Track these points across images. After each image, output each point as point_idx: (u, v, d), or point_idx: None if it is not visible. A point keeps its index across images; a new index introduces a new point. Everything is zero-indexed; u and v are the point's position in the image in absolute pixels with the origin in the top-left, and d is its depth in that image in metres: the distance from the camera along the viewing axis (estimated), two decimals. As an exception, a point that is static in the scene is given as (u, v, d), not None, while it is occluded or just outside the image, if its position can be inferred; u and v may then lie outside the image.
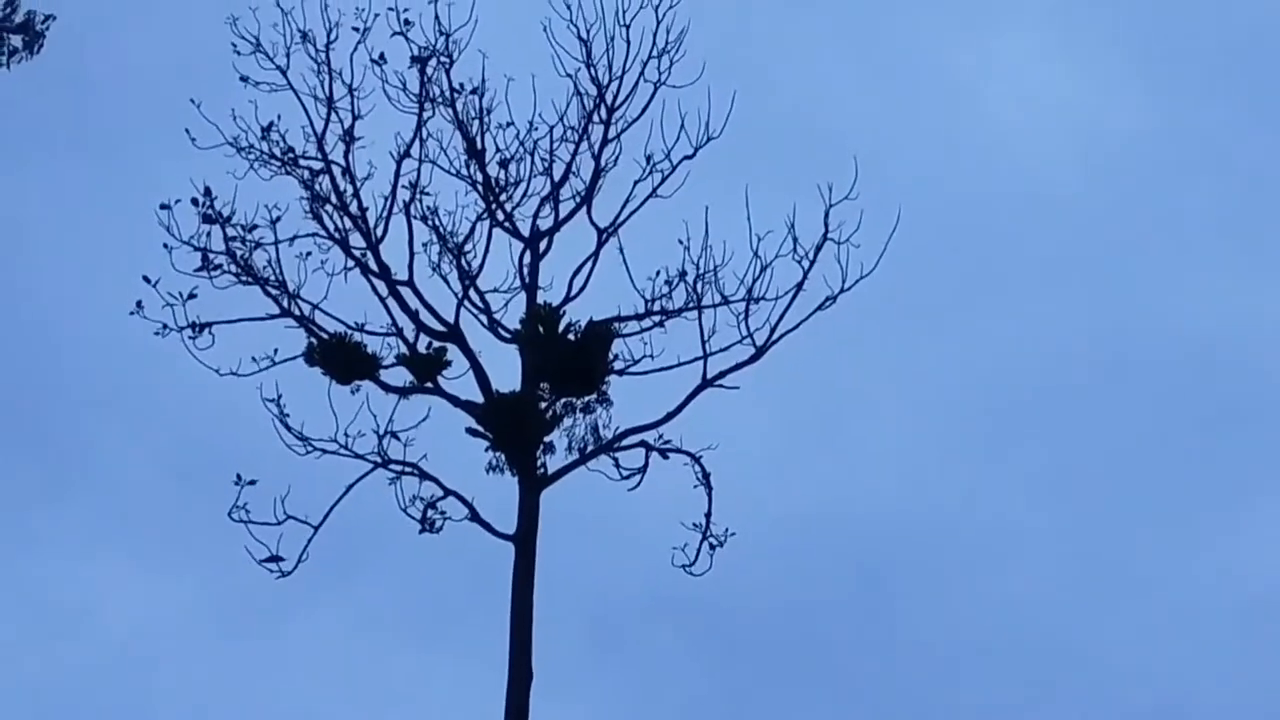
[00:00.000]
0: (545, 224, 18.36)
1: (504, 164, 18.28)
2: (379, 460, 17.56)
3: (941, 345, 28.17)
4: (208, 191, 17.94)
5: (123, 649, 26.76)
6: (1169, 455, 28.63)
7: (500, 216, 18.31)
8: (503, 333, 18.10)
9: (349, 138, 18.21)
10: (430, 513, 17.55)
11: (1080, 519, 28.15)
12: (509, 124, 18.22)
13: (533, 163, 18.26)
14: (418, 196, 18.18)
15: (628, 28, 18.15)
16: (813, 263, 17.87)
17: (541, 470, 17.72)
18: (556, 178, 18.30)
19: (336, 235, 18.08)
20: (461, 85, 18.24)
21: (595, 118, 18.28)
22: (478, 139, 18.26)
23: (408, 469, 17.57)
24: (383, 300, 18.07)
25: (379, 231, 18.12)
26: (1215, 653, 26.55)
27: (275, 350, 17.78)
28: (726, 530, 17.82)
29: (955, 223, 27.49)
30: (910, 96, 28.67)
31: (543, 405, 17.87)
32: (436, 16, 18.08)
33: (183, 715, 26.07)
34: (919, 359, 27.82)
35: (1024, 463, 28.42)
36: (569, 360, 17.85)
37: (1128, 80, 30.45)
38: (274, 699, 25.71)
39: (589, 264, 18.19)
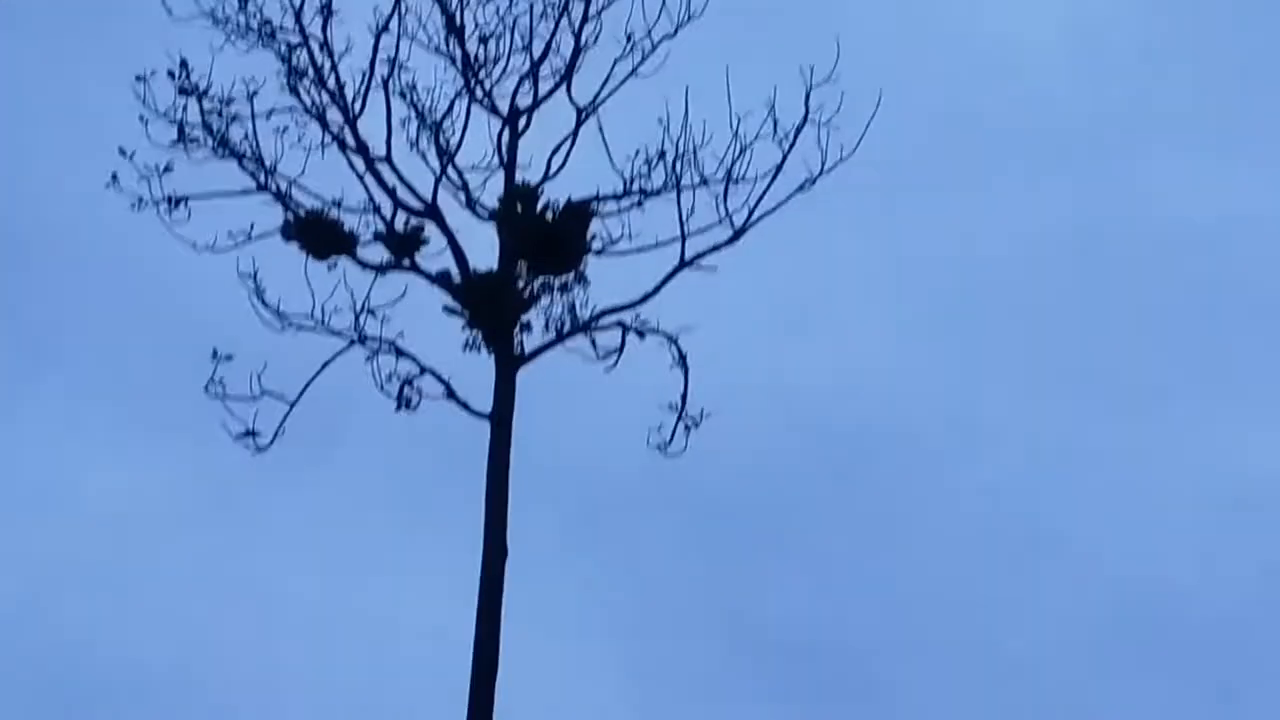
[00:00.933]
0: (524, 102, 18.30)
1: (483, 40, 18.18)
2: (355, 337, 17.59)
3: (920, 231, 28.08)
4: (184, 64, 17.84)
5: (101, 524, 26.79)
6: (1146, 343, 28.69)
7: (479, 94, 18.22)
8: (481, 211, 18.07)
9: (327, 11, 18.09)
10: (406, 390, 17.61)
11: (1056, 405, 28.25)
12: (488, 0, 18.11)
13: (512, 39, 18.20)
14: (396, 72, 18.10)
15: (611, -98, 18.01)
16: (792, 145, 17.86)
17: (519, 349, 17.76)
18: (536, 55, 18.22)
19: (314, 110, 17.99)
20: (441, -40, 18.10)
21: (576, -7, 18.14)
22: (457, 14, 18.16)
23: (384, 346, 17.60)
24: (360, 177, 18.02)
25: (357, 107, 18.06)
26: (1190, 538, 26.74)
27: (252, 225, 17.77)
28: (702, 411, 17.91)
29: (936, 107, 27.32)
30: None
31: (520, 284, 17.88)
32: (416, -113, 17.94)
33: (162, 590, 26.18)
34: (897, 244, 27.74)
35: (1001, 347, 28.47)
36: (547, 239, 17.84)
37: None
38: (251, 573, 25.80)
39: (568, 143, 18.15)
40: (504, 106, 18.26)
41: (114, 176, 17.64)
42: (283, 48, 18.03)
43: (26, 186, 26.71)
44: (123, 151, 17.62)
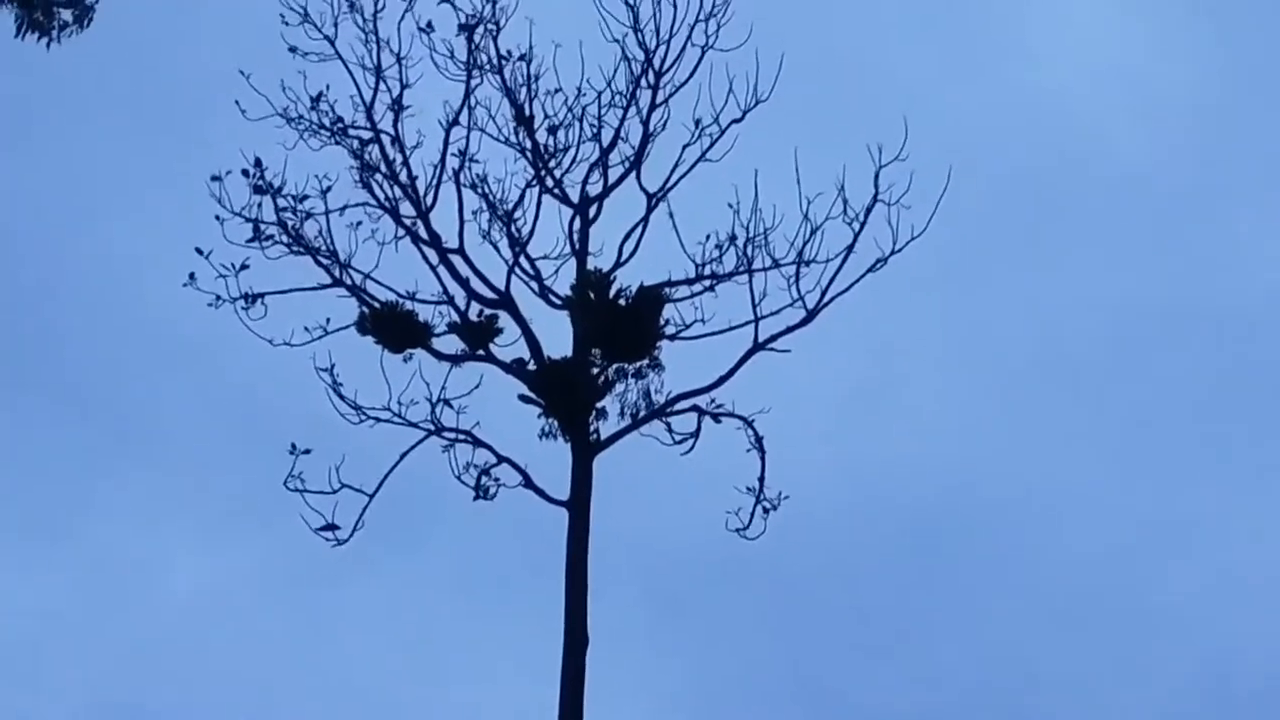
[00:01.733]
0: (594, 190, 18.36)
1: (552, 130, 18.28)
2: (432, 428, 17.64)
3: (995, 305, 28.05)
4: (258, 163, 18.02)
5: (185, 616, 26.98)
6: (1227, 412, 28.46)
7: (549, 183, 18.31)
8: (553, 299, 18.12)
9: (397, 106, 18.25)
10: (484, 480, 17.62)
11: (1138, 478, 28.02)
12: (557, 90, 18.24)
13: (581, 129, 18.27)
14: (467, 164, 18.22)
15: (674, -9, 18.12)
16: (863, 224, 17.83)
17: (594, 436, 17.76)
18: (605, 143, 18.28)
19: (386, 204, 18.13)
20: (509, 52, 18.27)
21: (643, 82, 18.25)
22: (526, 106, 18.27)
23: (461, 436, 17.63)
24: (433, 268, 18.13)
25: (429, 200, 18.17)
26: (1273, 612, 26.40)
27: (328, 320, 17.88)
28: (780, 494, 17.85)
29: (1007, 182, 27.32)
30: (959, 54, 28.49)
31: (594, 371, 17.91)
32: (483, -16, 18.10)
33: (244, 682, 26.29)
34: (972, 320, 27.71)
35: (1080, 421, 28.30)
36: (620, 326, 17.86)
37: (1184, 32, 30.15)
38: (333, 667, 25.88)
39: (639, 229, 18.20)
40: (574, 195, 18.35)
41: (191, 275, 17.82)
42: (355, 144, 18.20)
43: (109, 284, 27.08)
44: (200, 251, 17.79)
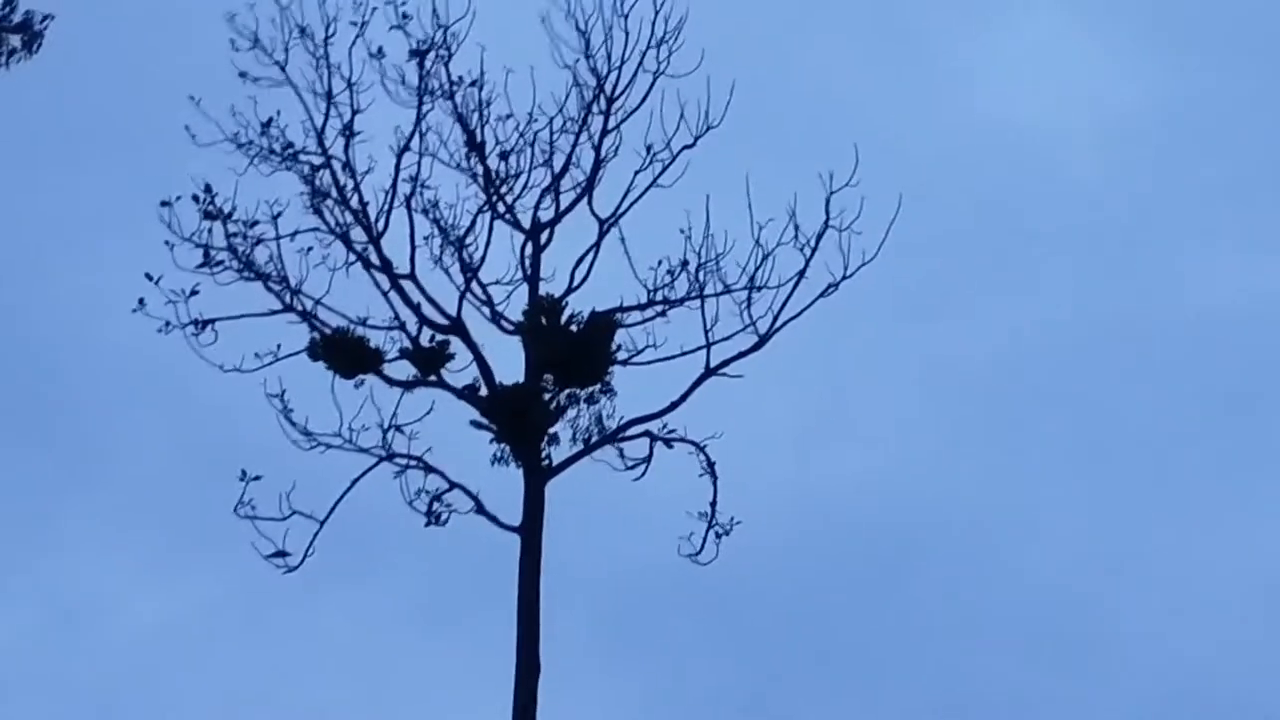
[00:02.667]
0: (546, 215, 18.37)
1: (504, 156, 18.29)
2: (384, 454, 17.60)
3: (947, 329, 28.10)
4: (208, 188, 17.98)
5: (138, 643, 26.82)
6: (1183, 432, 28.55)
7: (501, 209, 18.31)
8: (505, 325, 18.12)
9: (349, 132, 18.23)
10: (436, 505, 17.59)
11: (1093, 499, 28.09)
12: (508, 116, 18.26)
13: (533, 154, 18.30)
14: (418, 190, 18.22)
15: (626, 17, 18.18)
16: (814, 250, 17.89)
17: (546, 461, 17.75)
18: (557, 169, 18.31)
19: (338, 230, 18.10)
20: (460, 78, 18.27)
21: (595, 108, 18.29)
22: (477, 131, 18.27)
23: (413, 462, 17.60)
24: (385, 294, 18.11)
25: (380, 226, 18.15)
26: (1237, 632, 26.48)
27: (278, 346, 17.84)
28: (732, 519, 17.86)
29: (961, 206, 27.41)
30: (909, 80, 28.62)
31: (546, 396, 17.90)
32: (434, 10, 18.13)
33: (197, 708, 26.13)
34: (924, 344, 27.75)
35: (1033, 444, 28.37)
36: (572, 351, 17.87)
37: (1135, 53, 30.32)
38: (285, 692, 25.74)
39: (590, 255, 18.21)
40: (526, 220, 18.35)
41: (141, 301, 17.75)
42: (305, 169, 18.18)
43: (58, 311, 26.93)
44: (149, 276, 17.72)
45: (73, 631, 27.21)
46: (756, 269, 17.85)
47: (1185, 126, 30.19)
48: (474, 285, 18.14)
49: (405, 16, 18.11)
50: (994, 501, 27.76)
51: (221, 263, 17.94)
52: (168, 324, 17.79)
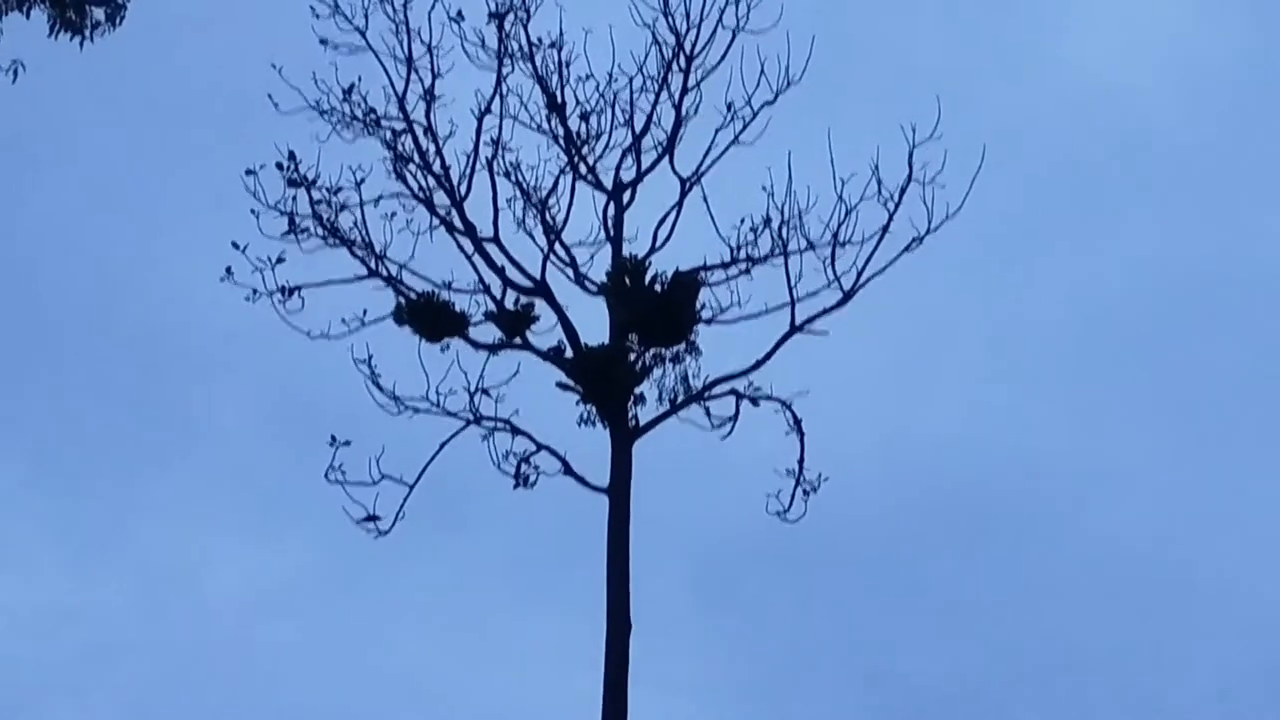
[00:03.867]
0: (628, 175, 18.37)
1: (585, 117, 18.28)
2: (471, 417, 17.65)
3: (1032, 283, 27.91)
4: (292, 156, 18.04)
5: (232, 609, 27.09)
6: (1267, 385, 28.27)
7: (583, 169, 18.31)
8: (589, 286, 18.12)
9: (429, 97, 18.25)
10: (524, 468, 17.63)
11: (1184, 451, 27.88)
12: (588, 76, 18.25)
13: (613, 114, 18.27)
14: (500, 153, 18.22)
15: (704, -26, 18.08)
16: (898, 205, 17.78)
17: (633, 422, 17.75)
18: (638, 129, 18.28)
19: (421, 194, 18.15)
20: (539, 39, 18.27)
21: (674, 67, 18.24)
22: (558, 93, 18.26)
23: (500, 425, 17.65)
24: (469, 258, 18.14)
25: (463, 189, 18.19)
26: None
27: (364, 311, 17.89)
28: (819, 475, 17.83)
29: (1046, 159, 27.17)
30: (991, 31, 28.33)
31: (632, 357, 17.89)
32: (512, -29, 18.09)
33: (291, 672, 26.37)
34: (1009, 298, 27.57)
35: (1118, 397, 28.17)
36: (656, 311, 17.85)
37: (1218, 3, 29.92)
38: (377, 655, 25.94)
39: (673, 214, 18.19)
40: (608, 181, 18.34)
41: (228, 270, 17.85)
42: (387, 135, 18.22)
43: (148, 281, 27.18)
44: (236, 245, 17.83)
45: (169, 598, 27.53)
46: (840, 225, 17.79)
47: (1268, 77, 29.82)
48: (557, 247, 18.17)
49: (484, -21, 18.12)
50: (1080, 455, 27.62)
51: (307, 230, 18.03)
52: (255, 292, 17.90)
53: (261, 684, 26.29)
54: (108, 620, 27.24)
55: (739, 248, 17.94)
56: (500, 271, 18.10)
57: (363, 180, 18.06)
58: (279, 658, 26.36)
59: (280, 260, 17.89)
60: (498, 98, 18.22)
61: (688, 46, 18.21)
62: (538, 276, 18.10)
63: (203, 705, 26.21)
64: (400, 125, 18.23)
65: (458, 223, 18.15)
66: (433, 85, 18.23)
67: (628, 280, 17.92)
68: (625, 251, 18.14)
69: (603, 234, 18.26)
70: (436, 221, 18.13)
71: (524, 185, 18.18)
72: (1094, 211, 28.87)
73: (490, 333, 18.01)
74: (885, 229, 17.79)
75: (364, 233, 18.02)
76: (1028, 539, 27.02)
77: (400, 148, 18.21)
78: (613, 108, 18.23)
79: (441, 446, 17.67)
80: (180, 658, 26.72)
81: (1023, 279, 27.84)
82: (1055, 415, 27.82)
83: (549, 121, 18.31)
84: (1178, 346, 28.56)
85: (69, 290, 28.21)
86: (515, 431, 17.65)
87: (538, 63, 18.24)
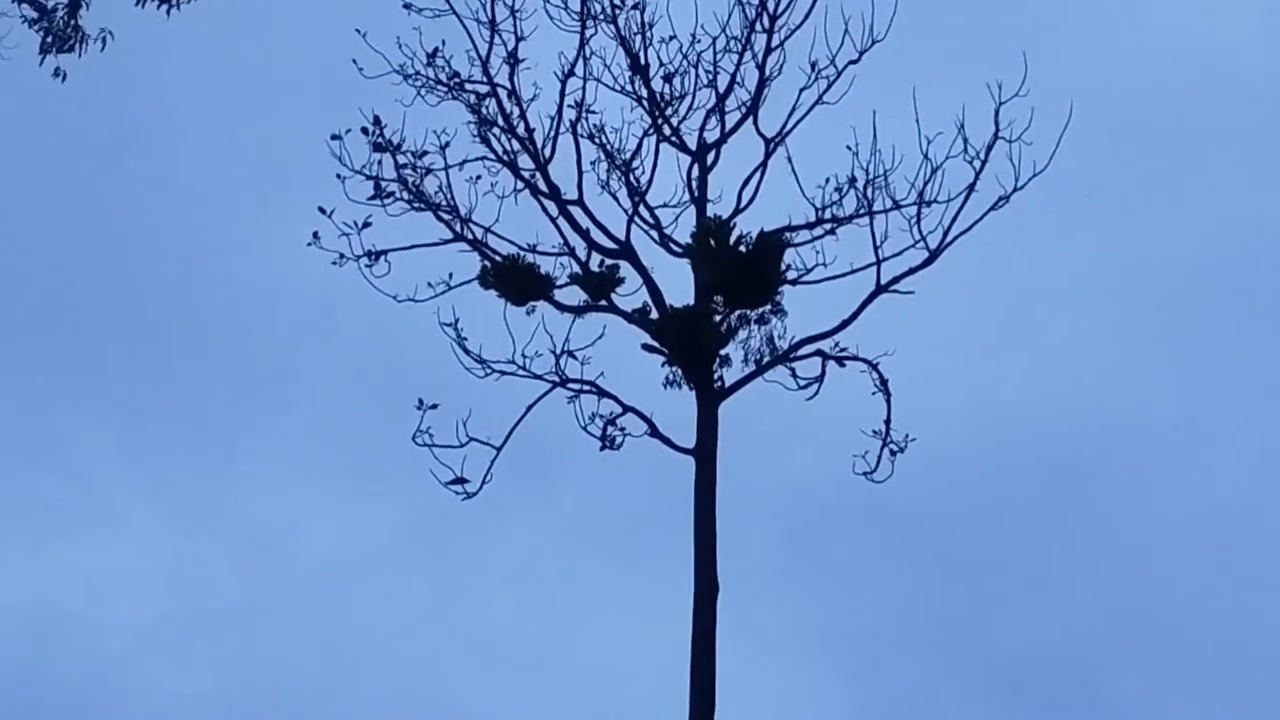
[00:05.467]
0: (712, 136, 18.31)
1: (668, 78, 18.24)
2: (557, 380, 17.68)
3: (1121, 239, 27.65)
4: (377, 120, 18.11)
5: (317, 570, 27.35)
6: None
7: (667, 131, 18.26)
8: (674, 247, 18.09)
9: (513, 60, 18.25)
10: (610, 430, 17.65)
11: (1276, 405, 27.57)
12: (671, 37, 18.17)
13: (697, 75, 18.21)
14: (584, 115, 18.22)
15: (787, -67, 17.98)
16: (984, 162, 17.64)
17: (718, 383, 17.74)
18: (721, 89, 18.21)
19: (505, 158, 18.17)
20: (622, 1, 18.21)
21: (758, 27, 18.15)
22: (641, 54, 18.21)
23: (586, 387, 17.67)
24: (553, 220, 18.15)
25: (547, 152, 18.19)
26: None
27: (450, 275, 17.94)
28: (907, 436, 17.76)
29: (1131, 112, 26.88)
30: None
31: (717, 318, 17.87)
32: (595, -67, 18.06)
33: (377, 634, 26.59)
34: (1097, 254, 27.34)
35: (1211, 351, 27.88)
36: (741, 272, 17.81)
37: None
38: (465, 616, 26.12)
39: (757, 175, 18.12)
40: (692, 142, 18.30)
41: (315, 234, 17.97)
42: (471, 98, 18.25)
43: (237, 246, 27.40)
44: (322, 210, 17.93)
45: (263, 559, 27.80)
46: (925, 183, 17.66)
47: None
48: (641, 209, 18.14)
49: (566, -58, 18.09)
50: (1173, 411, 27.38)
51: (392, 194, 18.09)
52: (342, 256, 17.99)
53: (350, 643, 26.52)
54: (204, 581, 27.57)
55: (824, 208, 17.87)
56: (585, 234, 18.12)
57: (447, 144, 18.11)
58: (368, 617, 26.58)
59: (367, 224, 18.00)
60: (581, 60, 18.22)
61: (771, 6, 18.12)
62: (622, 239, 18.10)
63: (296, 666, 26.50)
64: (484, 89, 18.26)
65: (542, 186, 18.17)
66: (516, 48, 18.23)
67: (712, 242, 17.89)
68: (710, 213, 18.10)
69: (687, 196, 18.23)
70: (521, 185, 18.16)
71: (608, 148, 18.18)
72: (1185, 166, 28.55)
73: (575, 295, 18.04)
74: (971, 187, 17.67)
75: (449, 196, 18.10)
76: (1117, 498, 26.84)
77: (484, 111, 18.25)
78: (696, 69, 18.20)
79: (528, 409, 17.72)
80: (274, 619, 27.00)
81: (1111, 236, 27.61)
82: (1145, 371, 27.59)
83: (632, 83, 18.28)
84: (1273, 296, 28.22)
85: (163, 256, 28.49)
86: (601, 394, 17.67)
87: (621, 24, 18.22)
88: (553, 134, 18.16)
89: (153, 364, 28.47)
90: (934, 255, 17.71)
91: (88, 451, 28.29)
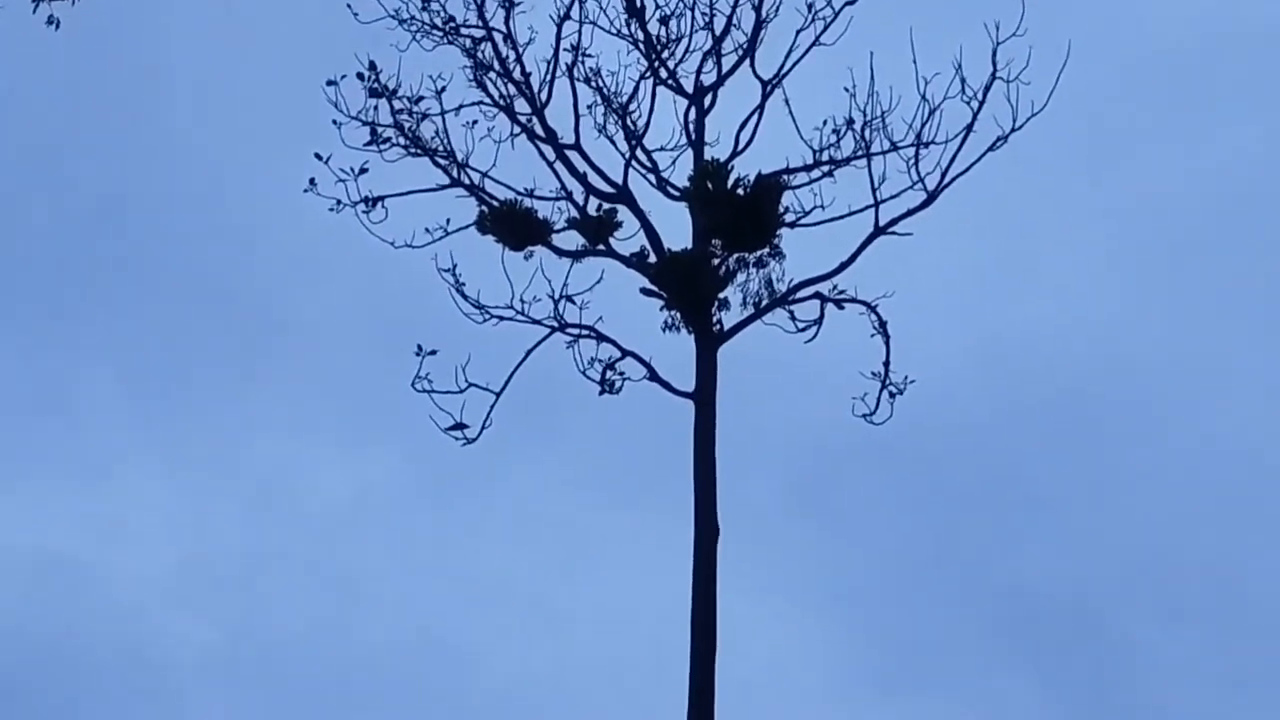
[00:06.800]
0: (709, 79, 18.26)
1: (664, 21, 18.18)
2: (556, 324, 17.68)
3: (1119, 180, 27.59)
4: (373, 65, 18.07)
5: (320, 517, 27.42)
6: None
7: (663, 74, 18.23)
8: (671, 191, 18.08)
9: (509, 3, 18.18)
10: (609, 374, 17.68)
11: (1275, 348, 27.56)
12: (668, -21, 18.11)
13: (693, 18, 18.15)
14: (580, 59, 18.17)
15: (783, -127, 17.90)
16: (982, 103, 17.60)
17: (717, 327, 17.75)
18: (718, 31, 18.16)
19: (501, 102, 18.13)
20: (618, -57, 18.14)
21: (755, -32, 18.08)
22: (636, -3, 18.16)
23: (584, 332, 17.68)
24: (550, 165, 18.13)
25: (543, 96, 18.15)
26: None
27: (448, 220, 17.94)
28: (906, 378, 17.80)
29: (1129, 53, 26.78)
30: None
31: (715, 261, 17.87)
32: (588, -125, 17.97)
33: (381, 580, 26.67)
34: (1095, 196, 27.28)
35: (1212, 294, 27.87)
36: (739, 215, 17.79)
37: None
38: (467, 561, 26.19)
39: (755, 117, 18.08)
40: (689, 85, 18.26)
41: (311, 181, 17.94)
42: (467, 43, 18.19)
43: (233, 193, 27.36)
44: (319, 156, 17.91)
45: (257, 505, 27.87)
46: (923, 125, 17.62)
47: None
48: (639, 152, 18.12)
49: (559, -116, 18.00)
50: (1177, 353, 27.36)
51: (389, 140, 18.06)
52: (338, 202, 17.98)
53: (354, 589, 26.61)
54: (212, 530, 27.65)
55: (821, 150, 17.85)
56: (582, 178, 18.10)
57: (443, 89, 18.07)
58: (372, 563, 26.66)
59: (363, 170, 17.98)
60: (577, 3, 18.18)
61: (767, -53, 18.05)
62: (620, 183, 18.08)
63: (302, 612, 26.59)
64: (480, 33, 18.20)
65: (539, 130, 18.13)
66: (511, -9, 18.17)
67: (710, 185, 17.87)
68: (707, 156, 18.07)
69: (684, 139, 18.20)
70: (518, 129, 18.13)
71: (604, 91, 18.15)
72: (1187, 107, 28.47)
73: (573, 240, 18.04)
74: (969, 128, 17.63)
75: (445, 142, 18.07)
76: (1118, 440, 26.87)
77: (480, 56, 18.19)
78: (692, 11, 18.14)
79: (527, 354, 17.74)
80: (278, 565, 27.08)
81: (1110, 176, 27.55)
82: (1147, 313, 27.58)
83: (628, 26, 18.23)
84: (1275, 238, 28.17)
85: (159, 204, 28.45)
86: (600, 338, 17.69)
87: (616, -34, 18.14)
88: (549, 78, 18.14)
89: (150, 313, 28.48)
90: (932, 197, 17.70)
91: (93, 403, 28.35)
